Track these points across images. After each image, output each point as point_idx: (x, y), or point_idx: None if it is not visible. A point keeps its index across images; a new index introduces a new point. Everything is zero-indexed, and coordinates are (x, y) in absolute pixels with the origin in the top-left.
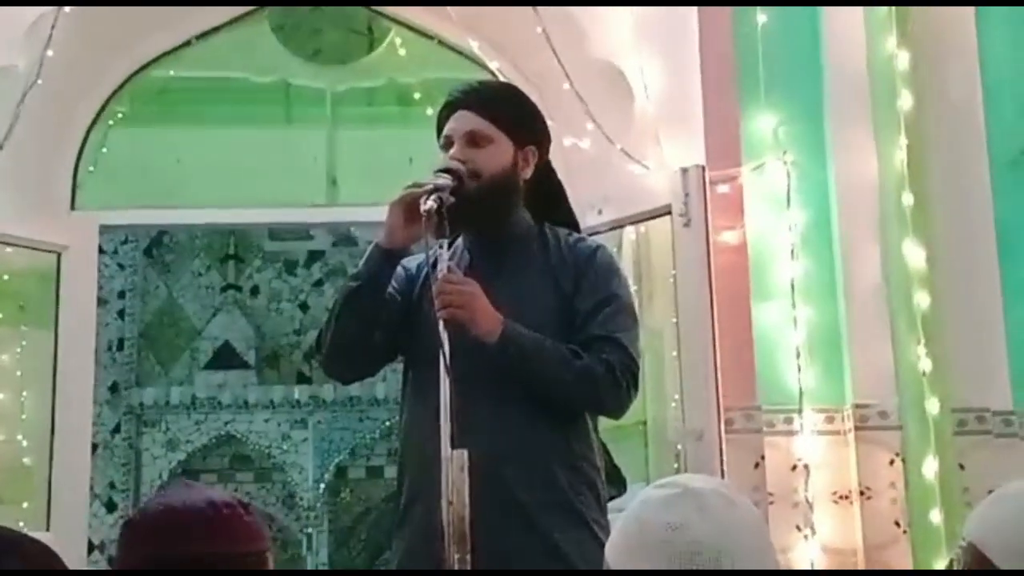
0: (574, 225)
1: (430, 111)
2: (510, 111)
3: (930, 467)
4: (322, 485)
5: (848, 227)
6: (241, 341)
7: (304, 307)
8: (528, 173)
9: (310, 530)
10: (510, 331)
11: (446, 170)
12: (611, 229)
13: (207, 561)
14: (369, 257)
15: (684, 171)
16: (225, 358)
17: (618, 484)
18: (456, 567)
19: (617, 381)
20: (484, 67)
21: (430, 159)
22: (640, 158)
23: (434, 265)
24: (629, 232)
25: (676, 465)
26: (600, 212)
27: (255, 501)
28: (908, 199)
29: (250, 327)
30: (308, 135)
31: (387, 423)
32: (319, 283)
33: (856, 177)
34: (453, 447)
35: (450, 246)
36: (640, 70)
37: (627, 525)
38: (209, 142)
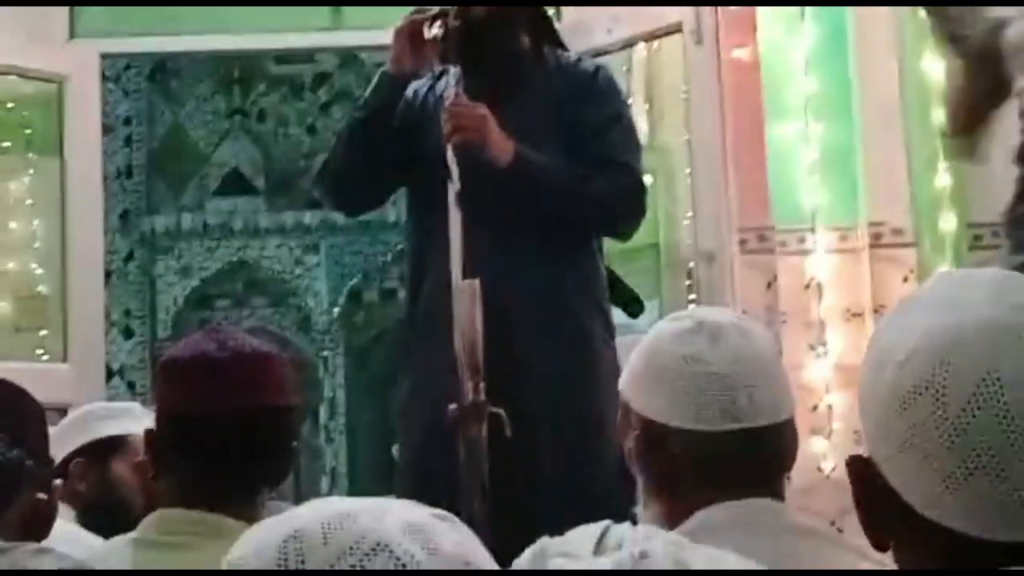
0: (563, 46)
1: None
2: None
3: None
4: (336, 308)
5: (864, 42)
6: (250, 167)
7: (312, 130)
8: None
9: (326, 353)
10: (523, 153)
11: None
12: (621, 48)
13: (237, 416)
14: (376, 86)
15: None
16: (235, 184)
17: (634, 305)
18: (469, 398)
19: (626, 202)
20: None
21: None
22: None
23: (437, 92)
24: (640, 50)
25: (689, 283)
26: (609, 31)
27: (271, 325)
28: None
29: (258, 152)
30: None
31: (399, 246)
32: (326, 106)
33: None
34: (464, 276)
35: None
36: None
37: (641, 358)
38: None
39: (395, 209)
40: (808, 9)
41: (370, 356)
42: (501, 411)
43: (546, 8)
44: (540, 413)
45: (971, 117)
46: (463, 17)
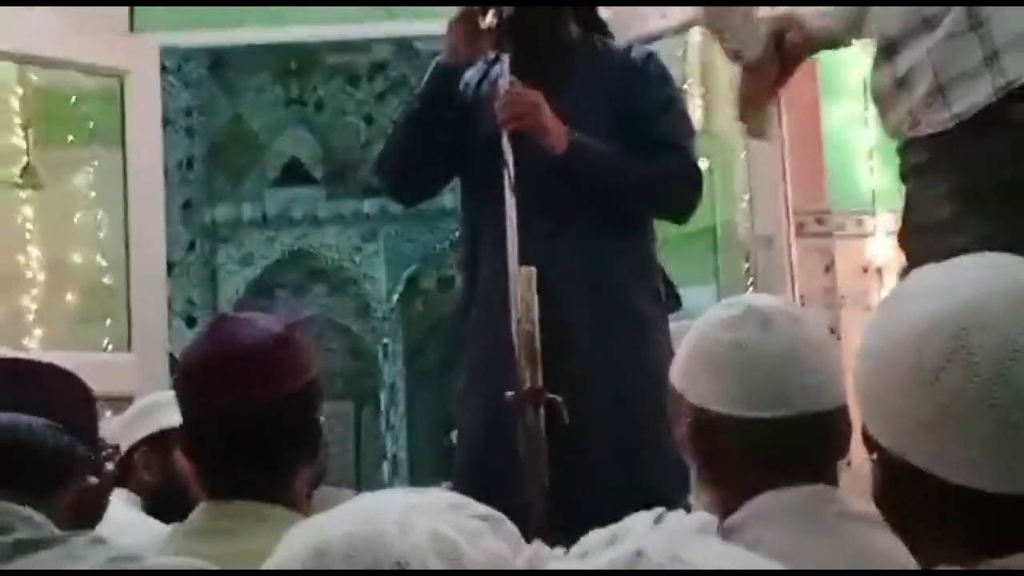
0: (609, 34)
1: None
2: None
3: None
4: (395, 296)
5: None
6: (308, 156)
7: (369, 120)
8: None
9: (386, 340)
10: (577, 139)
11: None
12: (676, 33)
13: (251, 409)
14: (431, 77)
15: None
16: (293, 174)
17: (671, 301)
18: (527, 385)
19: (682, 185)
20: None
21: None
22: None
23: (492, 80)
24: (694, 34)
25: (747, 266)
26: (664, 16)
27: (331, 313)
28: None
29: (316, 142)
30: None
31: (456, 232)
32: (382, 95)
33: None
34: (520, 264)
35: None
36: None
37: (691, 345)
38: None
39: (452, 196)
40: None
41: (429, 344)
42: (558, 398)
43: None
44: (596, 400)
45: (750, 108)
46: (516, 5)
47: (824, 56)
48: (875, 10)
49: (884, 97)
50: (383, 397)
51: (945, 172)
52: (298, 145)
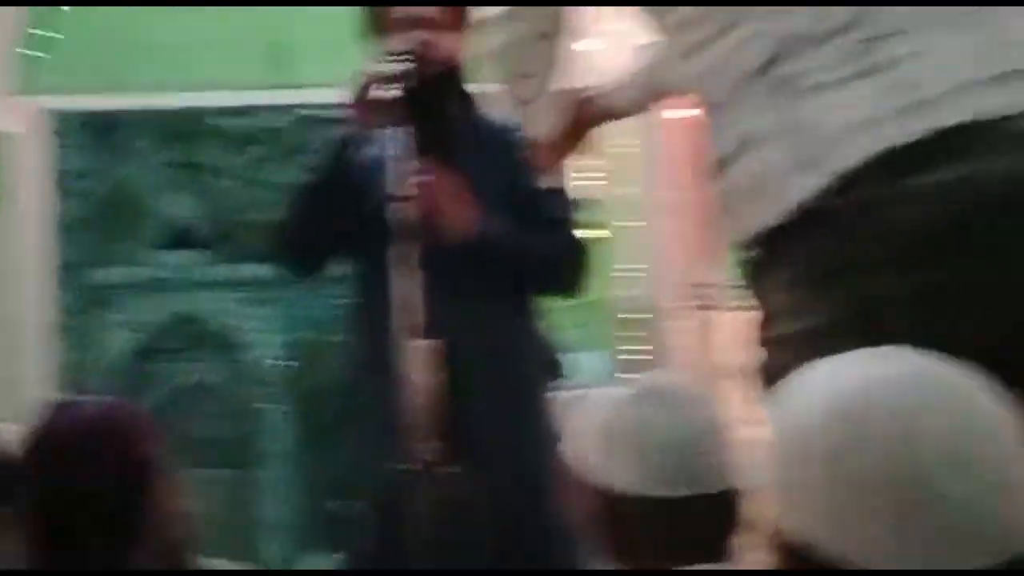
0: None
1: None
2: None
3: None
4: (282, 362)
5: None
6: (195, 219)
7: (257, 184)
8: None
9: (272, 406)
10: (483, 223)
11: (402, 52)
12: None
13: (83, 489)
14: (326, 150)
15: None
16: (181, 238)
17: (560, 369)
18: (423, 458)
19: (581, 262)
20: None
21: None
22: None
23: (392, 155)
24: None
25: (640, 335)
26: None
27: (216, 379)
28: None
29: (203, 205)
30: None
31: (347, 299)
32: (271, 159)
33: None
34: (417, 337)
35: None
36: None
37: (593, 423)
38: (154, 18)
39: (345, 263)
40: None
41: (316, 411)
42: (455, 470)
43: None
44: (494, 473)
45: (550, 159)
46: (415, 76)
47: None
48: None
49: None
50: (268, 464)
51: (784, 264)
52: (186, 208)
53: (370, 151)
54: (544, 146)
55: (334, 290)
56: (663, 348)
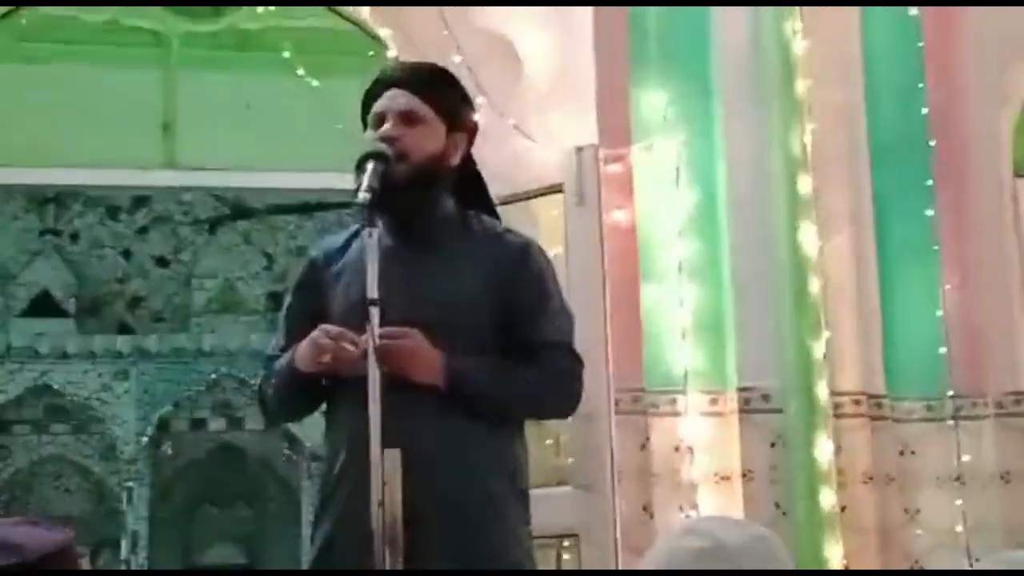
0: (495, 216)
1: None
2: (446, 94)
3: (815, 449)
4: (144, 438)
5: (736, 208)
6: (60, 288)
7: (127, 254)
8: (456, 160)
9: (131, 483)
10: (455, 373)
11: (374, 154)
12: (501, 204)
13: None
14: (284, 374)
15: (579, 150)
16: (43, 306)
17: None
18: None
19: (571, 387)
20: (373, 35)
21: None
22: (529, 133)
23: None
24: (511, 209)
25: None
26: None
27: (72, 453)
28: (805, 183)
29: (70, 274)
30: (143, 77)
31: (213, 375)
32: (144, 229)
33: (745, 159)
34: (382, 444)
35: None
36: (532, 45)
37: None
38: (33, 79)
39: (212, 336)
40: (684, 174)
41: (176, 488)
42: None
43: (480, 176)
44: None
45: None
46: (385, 176)
47: (642, 237)
48: None
49: None
50: (124, 543)
51: None
52: (49, 276)
53: (329, 249)
54: None
55: (202, 366)
56: (587, 454)
